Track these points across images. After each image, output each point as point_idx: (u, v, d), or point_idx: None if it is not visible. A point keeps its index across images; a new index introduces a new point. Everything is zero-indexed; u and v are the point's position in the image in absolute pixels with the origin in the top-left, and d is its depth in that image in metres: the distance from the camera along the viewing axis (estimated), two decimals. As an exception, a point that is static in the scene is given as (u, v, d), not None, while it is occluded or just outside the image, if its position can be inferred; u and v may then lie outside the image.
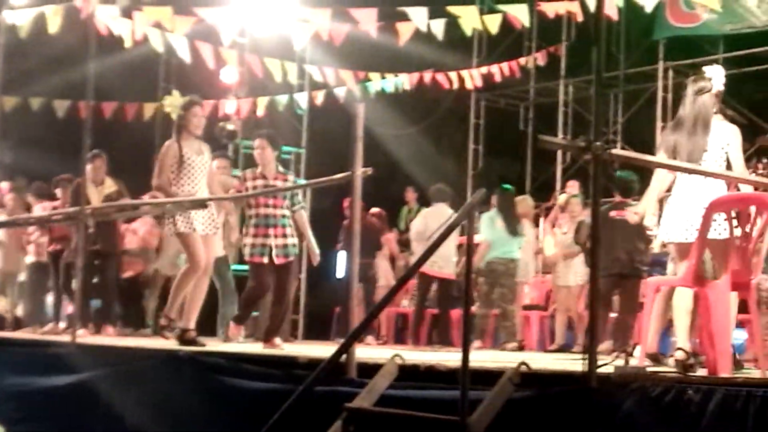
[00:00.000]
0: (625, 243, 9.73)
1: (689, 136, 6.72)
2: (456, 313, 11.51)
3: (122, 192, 10.57)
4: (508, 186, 11.76)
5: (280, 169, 8.90)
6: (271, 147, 8.75)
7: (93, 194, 10.22)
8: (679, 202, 6.49)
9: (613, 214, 9.98)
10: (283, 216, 8.68)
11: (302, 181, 15.60)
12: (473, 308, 11.47)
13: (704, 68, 7.13)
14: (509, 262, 11.26)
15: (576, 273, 11.45)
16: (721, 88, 7.00)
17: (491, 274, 11.19)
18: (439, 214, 11.02)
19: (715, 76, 6.90)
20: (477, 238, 11.11)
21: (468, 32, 11.68)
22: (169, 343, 8.21)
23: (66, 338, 8.28)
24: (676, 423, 4.34)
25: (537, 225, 16.06)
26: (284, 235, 8.62)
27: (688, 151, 6.66)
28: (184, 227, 8.17)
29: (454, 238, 10.62)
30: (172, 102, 8.49)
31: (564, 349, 11.13)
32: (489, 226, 11.24)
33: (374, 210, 12.89)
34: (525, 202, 12.36)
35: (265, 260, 8.62)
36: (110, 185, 10.58)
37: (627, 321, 9.73)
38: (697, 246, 6.15)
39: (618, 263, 9.78)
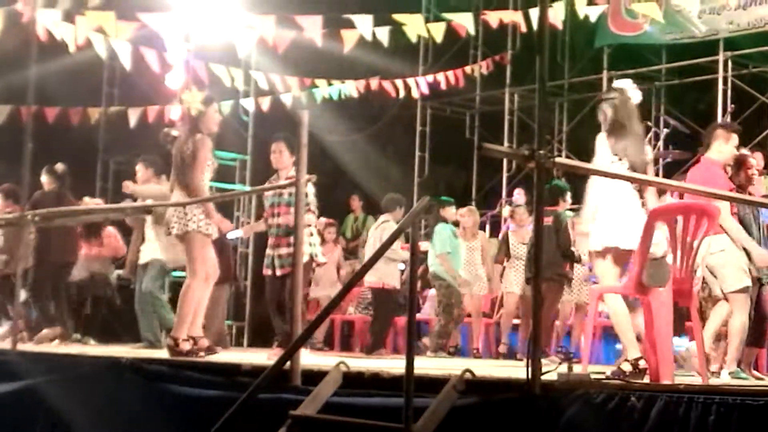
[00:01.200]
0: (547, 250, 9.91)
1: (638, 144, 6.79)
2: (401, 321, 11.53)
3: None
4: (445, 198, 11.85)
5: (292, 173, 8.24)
6: (288, 151, 8.41)
7: None
8: (620, 209, 6.47)
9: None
10: (286, 225, 8.25)
11: (247, 188, 15.57)
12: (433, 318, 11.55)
13: (616, 82, 7.32)
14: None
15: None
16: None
17: (451, 286, 11.17)
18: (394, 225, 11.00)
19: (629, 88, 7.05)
20: (440, 250, 11.12)
21: (413, 39, 11.71)
22: (115, 350, 8.12)
23: (6, 346, 8.17)
24: (619, 429, 4.37)
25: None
26: (288, 245, 7.98)
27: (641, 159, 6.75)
28: (208, 229, 7.83)
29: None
30: (193, 98, 8.26)
31: (512, 354, 11.21)
32: (449, 236, 11.23)
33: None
34: (476, 213, 12.39)
35: (270, 272, 8.43)
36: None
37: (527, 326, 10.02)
38: (639, 254, 6.20)
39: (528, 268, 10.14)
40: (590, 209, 6.53)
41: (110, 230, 11.77)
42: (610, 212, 6.37)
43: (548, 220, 9.99)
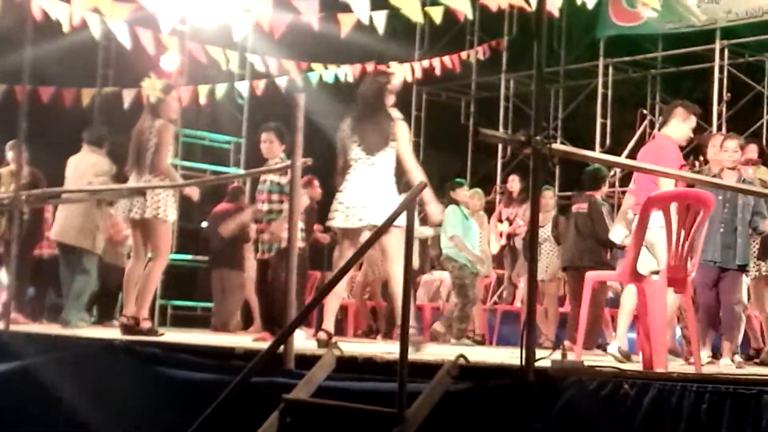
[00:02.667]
0: (578, 237, 9.81)
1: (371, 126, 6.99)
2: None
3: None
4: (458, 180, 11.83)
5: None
6: (279, 141, 8.52)
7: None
8: None
9: (574, 207, 10.09)
10: (269, 211, 8.45)
11: (242, 171, 15.54)
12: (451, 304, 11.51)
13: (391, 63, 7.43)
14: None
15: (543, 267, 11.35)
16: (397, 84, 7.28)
17: (461, 270, 11.13)
18: None
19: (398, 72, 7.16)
20: (452, 233, 11.06)
21: (414, 21, 11.68)
22: (110, 332, 8.12)
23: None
24: (613, 417, 4.37)
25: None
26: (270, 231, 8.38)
27: (368, 142, 6.99)
28: (172, 215, 8.13)
29: None
30: (152, 85, 8.36)
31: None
32: (462, 219, 11.19)
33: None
34: (479, 196, 12.37)
35: (257, 256, 8.68)
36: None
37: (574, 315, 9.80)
38: (634, 242, 6.20)
39: (566, 256, 9.92)
40: None
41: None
42: None
43: (583, 206, 9.90)
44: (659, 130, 7.76)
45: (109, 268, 11.21)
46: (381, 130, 7.14)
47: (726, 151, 7.96)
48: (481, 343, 11.44)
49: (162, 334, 7.89)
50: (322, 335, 7.08)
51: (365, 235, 7.00)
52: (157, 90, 8.30)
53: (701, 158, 11.64)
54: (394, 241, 6.91)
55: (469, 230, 11.22)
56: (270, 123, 8.82)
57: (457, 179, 11.93)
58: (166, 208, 8.06)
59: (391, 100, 7.30)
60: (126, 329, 7.94)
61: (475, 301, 11.37)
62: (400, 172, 7.27)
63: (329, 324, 7.19)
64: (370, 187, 7.12)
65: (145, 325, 7.98)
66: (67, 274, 9.94)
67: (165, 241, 8.21)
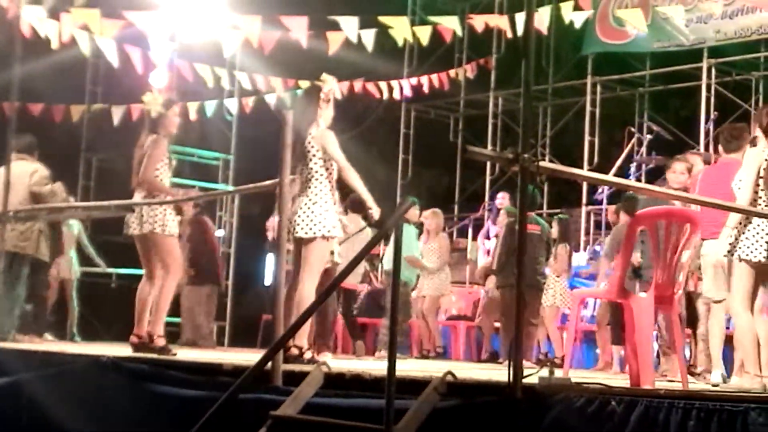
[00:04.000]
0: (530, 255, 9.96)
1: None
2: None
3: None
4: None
5: None
6: None
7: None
8: None
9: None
10: None
11: (231, 188, 15.54)
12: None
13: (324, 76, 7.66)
14: None
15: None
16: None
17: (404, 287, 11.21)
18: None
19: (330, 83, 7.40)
20: (408, 252, 11.15)
21: (399, 42, 11.71)
22: (96, 349, 8.09)
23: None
24: (600, 434, 4.38)
25: (465, 236, 16.20)
26: None
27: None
28: (174, 228, 8.09)
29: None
30: (153, 100, 8.41)
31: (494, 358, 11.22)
32: (414, 239, 11.32)
33: None
34: (440, 216, 12.43)
35: None
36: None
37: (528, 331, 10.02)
38: (621, 259, 6.23)
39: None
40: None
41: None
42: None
43: (536, 228, 10.10)
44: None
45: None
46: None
47: (674, 173, 8.13)
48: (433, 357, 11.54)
49: (174, 354, 7.75)
50: (293, 351, 7.12)
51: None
52: (158, 104, 8.34)
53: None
54: (314, 252, 7.18)
55: (417, 250, 11.43)
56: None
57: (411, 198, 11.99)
58: (165, 222, 7.96)
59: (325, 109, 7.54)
60: (137, 347, 7.80)
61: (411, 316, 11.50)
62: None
63: (300, 340, 7.21)
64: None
65: (159, 342, 7.81)
66: (9, 282, 9.61)
67: (173, 255, 8.07)
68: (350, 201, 11.66)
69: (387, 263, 11.43)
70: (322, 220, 7.25)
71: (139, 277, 8.31)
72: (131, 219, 8.05)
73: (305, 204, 7.26)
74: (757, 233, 6.14)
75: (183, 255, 11.68)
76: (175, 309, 12.63)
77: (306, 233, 7.21)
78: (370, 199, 7.61)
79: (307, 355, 7.06)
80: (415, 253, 11.33)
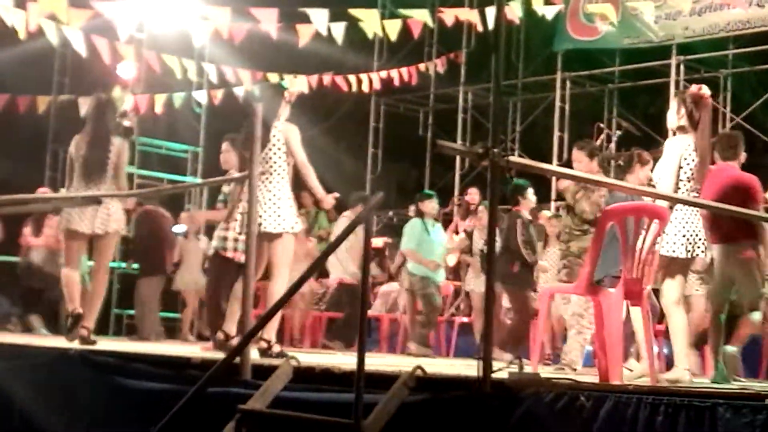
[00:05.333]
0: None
1: None
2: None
3: None
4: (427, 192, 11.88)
5: None
6: (235, 152, 8.73)
7: None
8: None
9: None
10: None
11: (199, 180, 15.48)
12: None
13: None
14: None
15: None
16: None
17: (422, 281, 11.17)
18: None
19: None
20: (404, 246, 11.17)
21: (369, 36, 11.68)
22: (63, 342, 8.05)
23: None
24: (569, 428, 4.39)
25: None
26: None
27: None
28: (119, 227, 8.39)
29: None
30: (118, 95, 8.46)
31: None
32: (421, 232, 11.25)
33: None
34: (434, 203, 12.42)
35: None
36: None
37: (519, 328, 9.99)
38: (590, 254, 6.24)
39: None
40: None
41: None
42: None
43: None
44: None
45: (49, 277, 11.23)
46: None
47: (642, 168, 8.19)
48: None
49: (95, 342, 7.92)
50: (219, 335, 7.44)
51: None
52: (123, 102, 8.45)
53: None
54: (282, 246, 7.19)
55: (430, 243, 11.28)
56: (231, 134, 8.95)
57: (426, 191, 11.99)
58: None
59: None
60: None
61: (440, 311, 11.46)
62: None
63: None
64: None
65: (82, 333, 7.98)
66: None
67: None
68: (354, 198, 11.77)
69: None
70: (288, 216, 7.24)
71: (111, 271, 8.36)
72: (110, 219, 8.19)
73: (269, 199, 7.21)
74: (676, 228, 6.31)
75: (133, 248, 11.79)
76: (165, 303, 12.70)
77: (274, 228, 7.17)
78: (322, 192, 7.66)
79: (275, 348, 7.06)
80: (412, 246, 11.22)
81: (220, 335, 7.55)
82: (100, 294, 8.28)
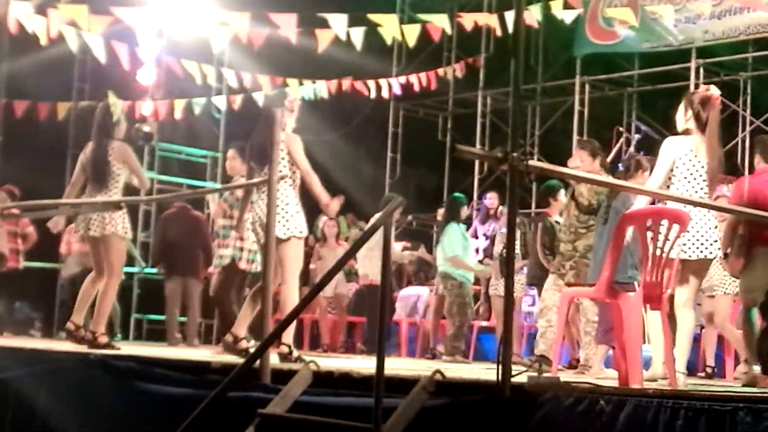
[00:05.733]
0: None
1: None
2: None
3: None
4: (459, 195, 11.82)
5: None
6: (241, 158, 9.00)
7: None
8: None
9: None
10: (223, 227, 9.40)
11: (218, 185, 15.52)
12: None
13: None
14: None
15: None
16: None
17: (461, 287, 11.14)
18: None
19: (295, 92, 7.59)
20: (451, 252, 11.09)
21: (388, 41, 11.69)
22: (81, 348, 8.09)
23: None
24: (588, 433, 4.38)
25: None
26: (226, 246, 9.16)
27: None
28: (123, 231, 8.30)
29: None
30: (115, 101, 8.56)
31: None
32: (461, 238, 11.22)
33: None
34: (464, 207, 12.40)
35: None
36: None
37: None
38: (610, 258, 6.22)
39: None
40: None
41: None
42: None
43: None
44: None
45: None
46: None
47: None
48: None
49: (119, 348, 8.01)
50: (228, 338, 7.53)
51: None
52: (118, 108, 8.56)
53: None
54: (291, 251, 7.27)
55: (468, 248, 11.28)
56: (237, 141, 9.08)
57: (457, 195, 11.97)
58: (121, 224, 8.30)
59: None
60: (70, 334, 8.22)
61: (470, 320, 11.42)
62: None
63: (239, 329, 7.50)
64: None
65: (102, 340, 8.11)
66: None
67: (117, 259, 8.36)
68: (384, 201, 11.80)
69: (440, 264, 11.29)
70: (295, 221, 7.27)
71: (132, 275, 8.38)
72: (88, 220, 8.29)
73: (276, 205, 7.22)
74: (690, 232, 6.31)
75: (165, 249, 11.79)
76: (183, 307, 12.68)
77: (283, 234, 7.19)
78: (327, 198, 7.73)
79: (295, 353, 7.08)
80: (459, 252, 11.20)
81: (228, 337, 7.61)
82: (104, 298, 8.28)
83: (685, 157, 6.50)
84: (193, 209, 12.29)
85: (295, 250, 7.33)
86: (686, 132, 6.66)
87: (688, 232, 6.28)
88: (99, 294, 8.26)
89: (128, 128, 8.83)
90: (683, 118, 6.69)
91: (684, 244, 6.33)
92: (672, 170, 6.49)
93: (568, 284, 8.32)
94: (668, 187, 6.48)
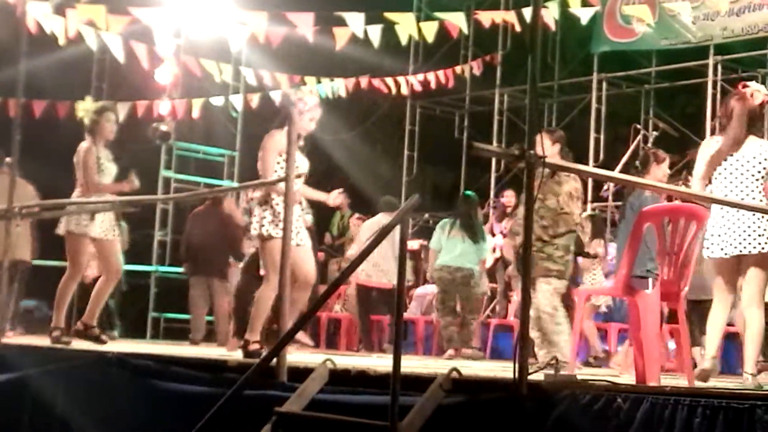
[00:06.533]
0: None
1: None
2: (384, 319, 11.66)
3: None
4: (469, 193, 11.73)
5: None
6: None
7: None
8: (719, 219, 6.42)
9: None
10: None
11: (235, 184, 15.54)
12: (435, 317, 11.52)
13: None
14: (455, 270, 10.99)
15: None
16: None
17: (439, 282, 11.10)
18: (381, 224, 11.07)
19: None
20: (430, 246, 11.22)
21: (404, 39, 11.70)
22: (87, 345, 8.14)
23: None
24: (606, 430, 4.37)
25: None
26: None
27: None
28: (77, 229, 8.35)
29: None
30: (85, 107, 8.61)
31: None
32: (438, 233, 11.19)
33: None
34: None
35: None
36: None
37: None
38: (627, 255, 6.21)
39: None
40: None
41: None
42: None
43: None
44: None
45: None
46: None
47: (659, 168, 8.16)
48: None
49: (105, 342, 8.11)
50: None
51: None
52: (90, 112, 8.57)
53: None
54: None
55: (445, 244, 11.33)
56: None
57: (468, 192, 11.97)
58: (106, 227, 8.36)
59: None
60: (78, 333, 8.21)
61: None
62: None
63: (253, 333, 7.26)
64: None
65: (94, 332, 8.31)
66: (14, 288, 10.15)
67: (113, 258, 8.45)
68: (383, 201, 11.82)
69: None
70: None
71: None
72: (68, 219, 8.38)
73: (277, 204, 7.22)
74: (713, 229, 6.25)
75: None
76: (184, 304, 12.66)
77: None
78: (324, 195, 7.68)
79: (255, 346, 7.14)
80: (433, 246, 11.24)
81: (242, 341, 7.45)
82: (95, 295, 8.43)
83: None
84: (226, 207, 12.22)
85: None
86: (723, 129, 6.63)
87: (739, 228, 6.22)
88: (96, 289, 8.47)
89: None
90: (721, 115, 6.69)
91: (740, 241, 6.24)
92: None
93: None
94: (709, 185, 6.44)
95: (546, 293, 7.87)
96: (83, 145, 8.57)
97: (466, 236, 10.97)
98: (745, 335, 6.30)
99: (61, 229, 8.40)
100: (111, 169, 8.58)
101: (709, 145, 6.57)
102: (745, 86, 6.74)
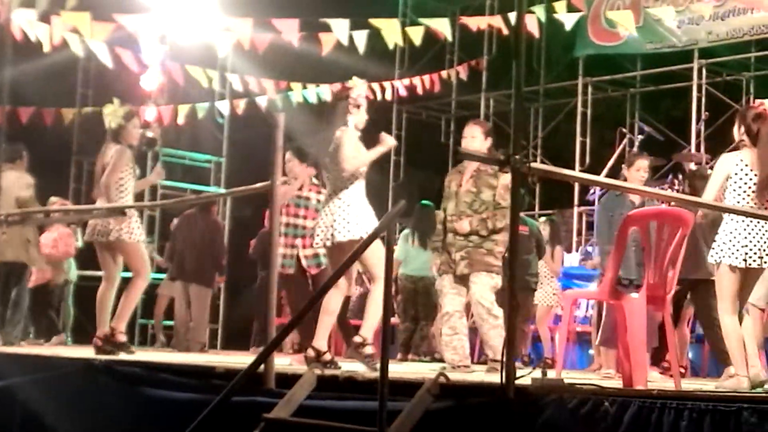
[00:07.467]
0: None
1: None
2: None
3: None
4: (427, 202, 11.70)
5: (314, 180, 9.23)
6: (298, 160, 9.07)
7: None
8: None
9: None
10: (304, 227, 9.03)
11: (222, 190, 15.54)
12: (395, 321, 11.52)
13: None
14: (418, 280, 11.09)
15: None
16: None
17: (402, 291, 11.18)
18: None
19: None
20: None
21: (390, 45, 11.71)
22: (89, 352, 8.10)
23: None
24: (593, 434, 4.39)
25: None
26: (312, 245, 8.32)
27: None
28: (138, 236, 8.32)
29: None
30: (114, 111, 8.59)
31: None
32: (401, 242, 11.26)
33: None
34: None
35: (291, 271, 8.90)
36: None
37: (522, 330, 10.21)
38: (613, 259, 6.23)
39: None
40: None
41: (64, 231, 11.81)
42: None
43: (524, 229, 10.13)
44: None
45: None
46: None
47: (638, 171, 8.18)
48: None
49: (133, 352, 8.03)
50: (309, 353, 7.07)
51: None
52: (118, 116, 8.52)
53: (680, 176, 11.73)
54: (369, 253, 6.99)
55: (407, 254, 11.41)
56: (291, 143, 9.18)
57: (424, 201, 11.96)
58: (131, 229, 8.25)
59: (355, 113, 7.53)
60: (100, 349, 8.02)
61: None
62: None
63: (320, 342, 7.10)
64: None
65: (120, 338, 8.17)
66: (7, 290, 10.17)
67: (141, 260, 8.41)
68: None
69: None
70: (360, 221, 7.23)
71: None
72: (97, 226, 8.27)
73: (338, 206, 7.21)
74: (731, 235, 6.19)
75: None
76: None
77: (343, 236, 7.13)
78: (378, 149, 8.06)
79: (326, 357, 6.98)
80: (399, 255, 11.28)
81: (310, 352, 7.14)
82: (127, 299, 8.37)
83: (737, 167, 6.35)
84: (214, 214, 12.22)
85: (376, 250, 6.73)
86: (739, 146, 6.58)
87: (750, 240, 6.19)
88: (125, 293, 8.35)
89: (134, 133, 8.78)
90: (737, 132, 6.62)
91: (746, 253, 6.21)
92: (725, 184, 6.38)
93: (461, 276, 7.93)
94: (722, 200, 6.38)
95: (486, 286, 7.80)
96: (116, 148, 8.52)
97: (422, 244, 11.10)
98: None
99: (112, 236, 8.23)
100: (134, 175, 8.59)
101: (728, 161, 6.44)
102: (762, 104, 6.72)
